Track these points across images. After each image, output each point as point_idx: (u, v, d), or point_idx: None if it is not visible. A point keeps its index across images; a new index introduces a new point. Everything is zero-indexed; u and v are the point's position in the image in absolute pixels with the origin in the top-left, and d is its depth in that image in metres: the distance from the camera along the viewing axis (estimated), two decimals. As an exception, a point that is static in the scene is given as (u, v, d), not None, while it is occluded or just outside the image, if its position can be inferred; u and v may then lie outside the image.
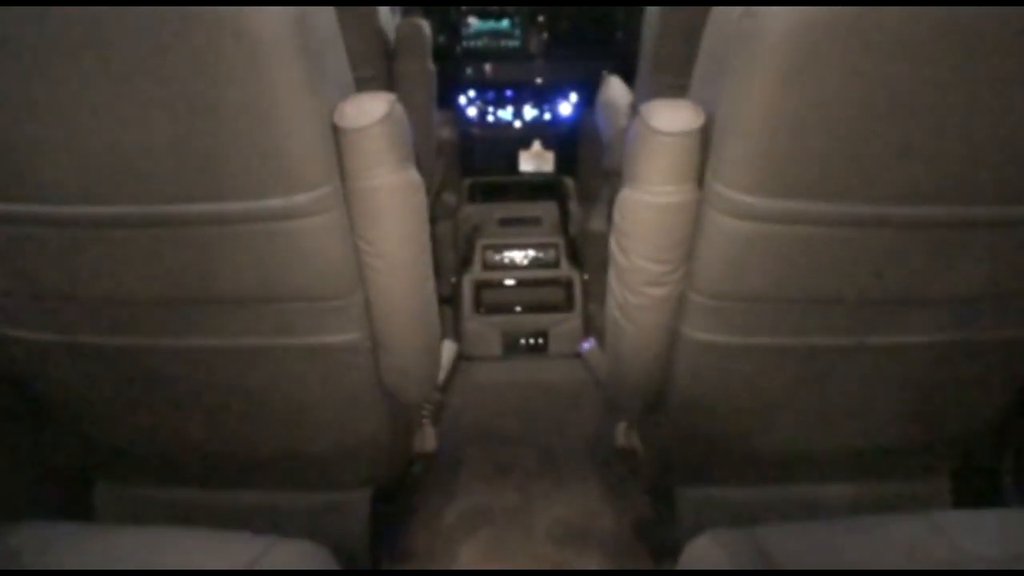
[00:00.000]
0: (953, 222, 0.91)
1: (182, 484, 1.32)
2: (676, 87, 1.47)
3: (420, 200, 1.03)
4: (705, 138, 0.93)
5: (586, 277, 2.11)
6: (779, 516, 1.29)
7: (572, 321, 2.05)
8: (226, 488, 1.32)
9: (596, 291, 2.09)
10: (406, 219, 1.01)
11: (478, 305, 2.07)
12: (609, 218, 2.20)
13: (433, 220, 1.07)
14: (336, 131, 0.93)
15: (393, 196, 0.98)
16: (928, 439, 1.22)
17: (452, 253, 2.23)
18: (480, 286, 2.08)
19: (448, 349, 1.54)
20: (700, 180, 0.95)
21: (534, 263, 2.11)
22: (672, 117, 0.93)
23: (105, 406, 1.17)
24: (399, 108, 0.98)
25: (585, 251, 2.19)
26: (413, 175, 1.00)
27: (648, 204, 0.97)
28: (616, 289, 1.08)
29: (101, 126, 0.84)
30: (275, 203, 0.91)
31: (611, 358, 1.19)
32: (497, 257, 2.12)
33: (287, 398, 1.15)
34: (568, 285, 2.08)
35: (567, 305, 2.06)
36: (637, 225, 1.00)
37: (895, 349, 1.06)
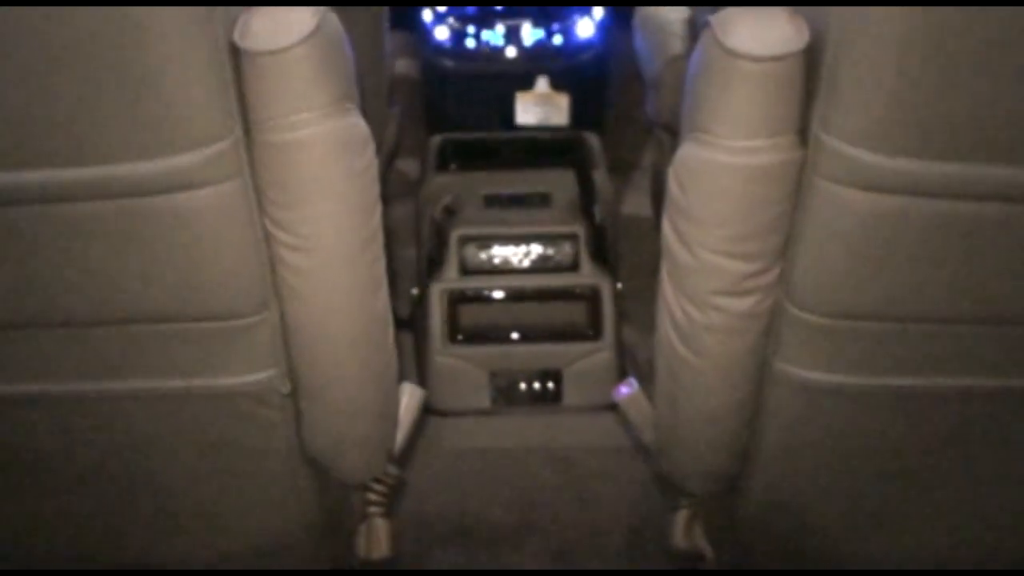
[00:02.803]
0: None
1: None
2: None
3: (367, 163, 1.03)
4: (811, 67, 0.93)
5: (620, 287, 2.10)
6: None
7: (600, 354, 2.04)
8: None
9: (637, 307, 2.08)
10: (346, 192, 1.01)
11: (454, 330, 2.06)
12: (655, 194, 2.22)
13: (384, 199, 1.11)
14: (237, 56, 0.93)
15: (325, 155, 0.98)
16: None
17: (413, 250, 2.22)
18: (457, 300, 2.07)
19: (409, 398, 1.53)
20: (803, 131, 0.96)
21: (540, 264, 2.10)
22: (761, 34, 0.93)
23: None
24: (334, 22, 0.98)
25: (619, 246, 2.19)
26: (356, 124, 1.01)
27: (724, 168, 0.98)
28: (673, 301, 1.09)
29: None
30: (140, 169, 0.91)
31: (664, 409, 1.20)
32: (483, 255, 2.11)
33: (159, 473, 1.16)
34: (593, 299, 2.07)
35: (592, 330, 2.06)
36: (707, 201, 1.00)
37: None
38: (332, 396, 1.13)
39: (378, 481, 1.49)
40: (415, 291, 2.13)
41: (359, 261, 1.06)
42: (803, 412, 1.09)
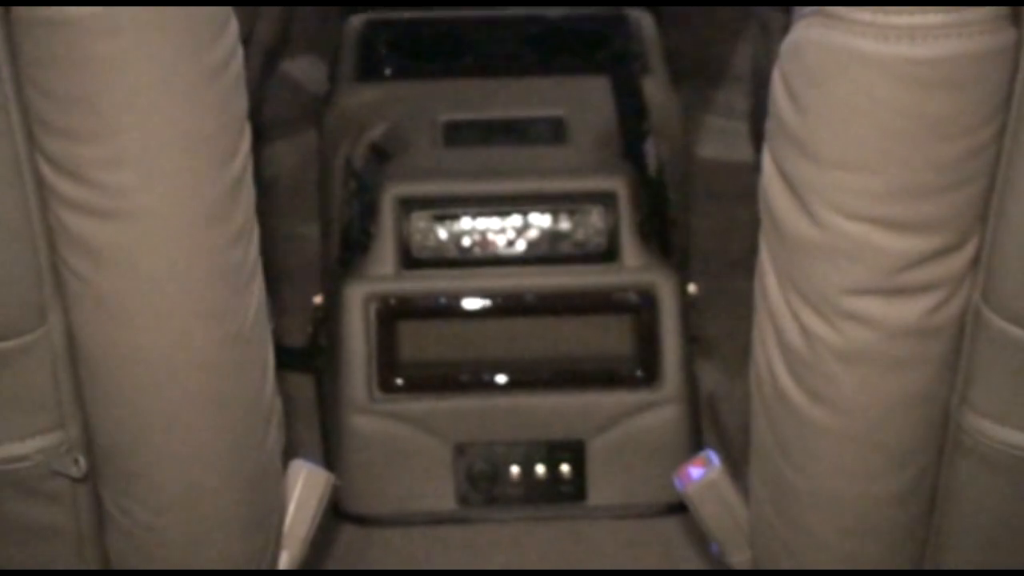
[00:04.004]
0: None
1: None
2: None
3: (224, 59, 1.04)
4: None
5: (693, 289, 2.12)
6: None
7: (656, 411, 2.05)
8: None
9: (722, 325, 2.11)
10: (183, 109, 1.03)
11: (389, 369, 2.07)
12: (756, 119, 2.21)
13: (259, 129, 1.11)
14: None
15: (143, 42, 0.99)
16: None
17: (315, 223, 2.24)
18: (394, 314, 2.08)
19: (306, 489, 1.54)
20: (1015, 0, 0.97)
21: (547, 250, 2.11)
22: None
23: None
24: None
25: (691, 216, 2.21)
26: None
27: (872, 63, 0.99)
28: (780, 308, 1.12)
29: None
30: None
31: (767, 506, 1.22)
32: (441, 233, 2.12)
33: None
34: (644, 311, 2.09)
35: (641, 367, 2.07)
36: (841, 124, 1.02)
37: None
38: (160, 484, 1.15)
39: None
40: (318, 299, 2.16)
41: (209, 239, 1.08)
42: (1019, 507, 1.11)
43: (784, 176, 1.07)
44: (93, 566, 1.19)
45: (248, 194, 1.11)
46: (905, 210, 1.03)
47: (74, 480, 1.13)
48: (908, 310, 1.06)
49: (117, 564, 1.22)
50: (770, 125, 1.08)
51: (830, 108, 1.02)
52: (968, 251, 1.05)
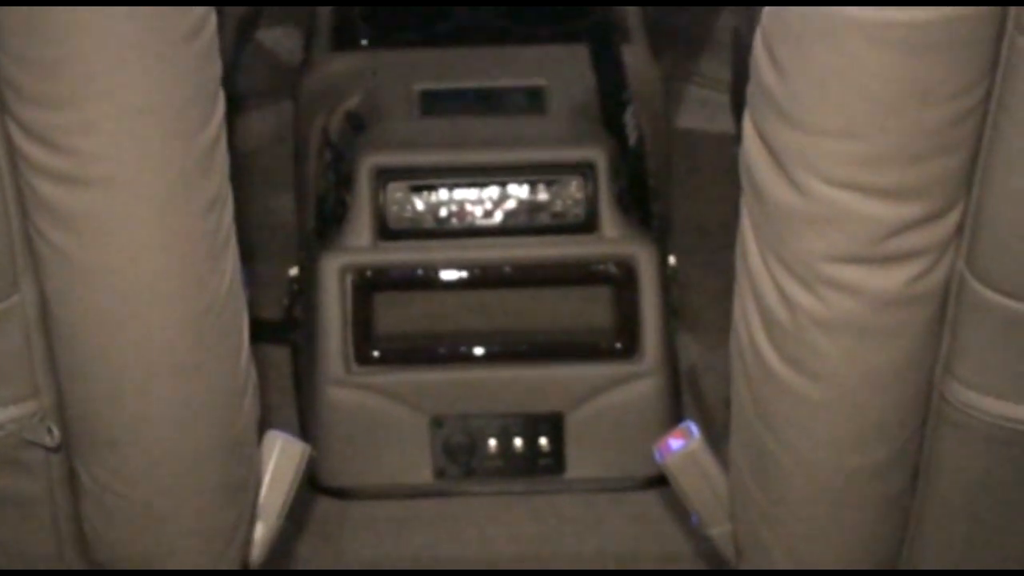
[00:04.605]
0: None
1: None
2: None
3: (196, 24, 1.03)
4: None
5: (673, 261, 2.11)
6: None
7: (635, 384, 2.05)
8: None
9: (702, 297, 2.10)
10: (156, 75, 1.02)
11: (365, 341, 2.07)
12: (737, 90, 2.21)
13: (233, 99, 1.10)
14: None
15: (112, 11, 0.98)
16: None
17: (291, 194, 2.24)
18: (370, 286, 2.08)
19: (281, 461, 1.53)
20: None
21: (525, 221, 2.10)
22: None
23: None
24: None
25: (671, 187, 2.20)
26: None
27: (856, 29, 0.98)
28: (762, 277, 1.11)
29: None
30: None
31: (748, 478, 1.22)
32: (419, 204, 2.11)
33: None
34: (623, 283, 2.08)
35: (620, 339, 2.07)
36: (825, 90, 1.02)
37: None
38: (133, 454, 1.15)
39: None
40: (294, 270, 2.16)
41: (182, 206, 1.07)
42: (1006, 479, 1.11)
43: (766, 142, 1.07)
44: (66, 536, 1.19)
45: (222, 162, 1.10)
46: (889, 177, 1.03)
47: (48, 450, 1.13)
48: (891, 278, 1.06)
49: (90, 534, 1.21)
50: (751, 91, 1.08)
51: (813, 73, 1.02)
52: (952, 219, 1.05)
